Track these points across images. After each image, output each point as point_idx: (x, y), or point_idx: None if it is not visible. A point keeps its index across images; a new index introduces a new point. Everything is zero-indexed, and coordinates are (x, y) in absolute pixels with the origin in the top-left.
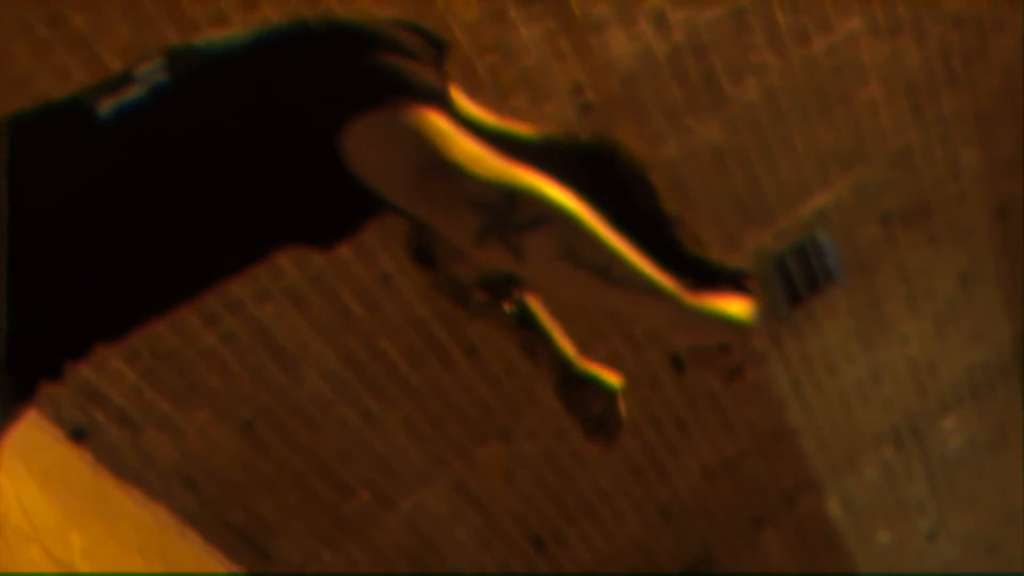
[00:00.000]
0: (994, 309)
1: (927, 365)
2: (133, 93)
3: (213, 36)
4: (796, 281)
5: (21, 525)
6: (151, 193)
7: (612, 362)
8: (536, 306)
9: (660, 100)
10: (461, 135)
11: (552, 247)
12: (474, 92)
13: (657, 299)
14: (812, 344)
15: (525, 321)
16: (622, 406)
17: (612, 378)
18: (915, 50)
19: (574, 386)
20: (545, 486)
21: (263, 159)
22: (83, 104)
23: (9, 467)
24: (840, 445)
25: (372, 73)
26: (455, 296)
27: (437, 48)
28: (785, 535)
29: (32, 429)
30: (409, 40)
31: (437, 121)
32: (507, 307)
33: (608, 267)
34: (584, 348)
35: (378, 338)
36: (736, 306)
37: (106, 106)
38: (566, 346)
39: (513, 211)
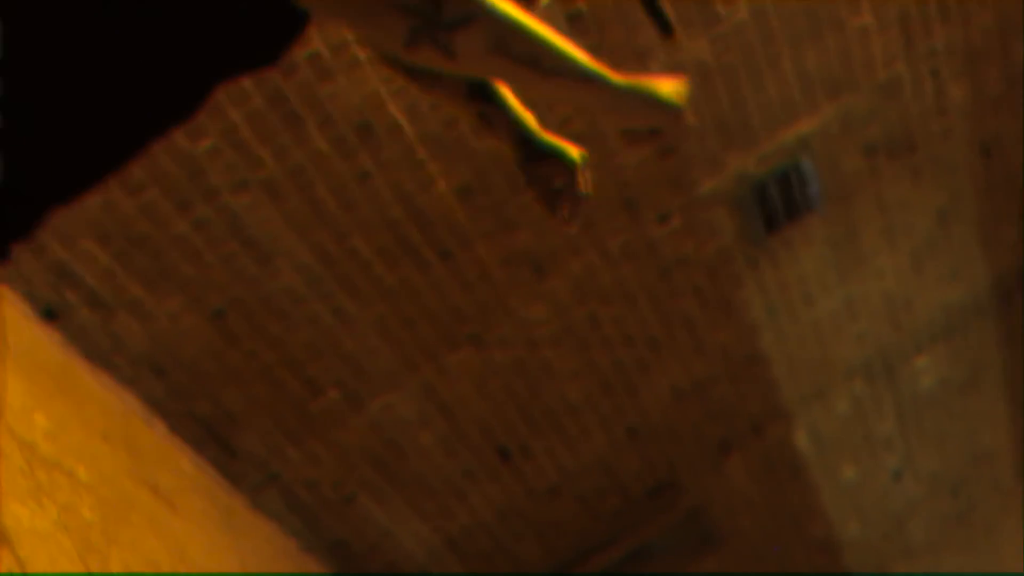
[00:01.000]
0: (972, 249)
1: (903, 301)
2: None
3: None
4: (775, 206)
5: None
6: (80, 34)
7: (587, 277)
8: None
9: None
10: None
11: (482, 44)
12: None
13: (588, 84)
14: (788, 271)
15: (482, 92)
16: (584, 180)
17: (574, 150)
18: None
19: (535, 159)
20: (514, 396)
21: None
22: None
23: None
24: (811, 376)
25: None
26: (405, 68)
27: None
28: (751, 462)
29: (2, 305)
30: None
31: None
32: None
33: (538, 57)
34: (557, 262)
35: (352, 236)
36: (667, 87)
37: None
38: (527, 117)
39: (439, 11)
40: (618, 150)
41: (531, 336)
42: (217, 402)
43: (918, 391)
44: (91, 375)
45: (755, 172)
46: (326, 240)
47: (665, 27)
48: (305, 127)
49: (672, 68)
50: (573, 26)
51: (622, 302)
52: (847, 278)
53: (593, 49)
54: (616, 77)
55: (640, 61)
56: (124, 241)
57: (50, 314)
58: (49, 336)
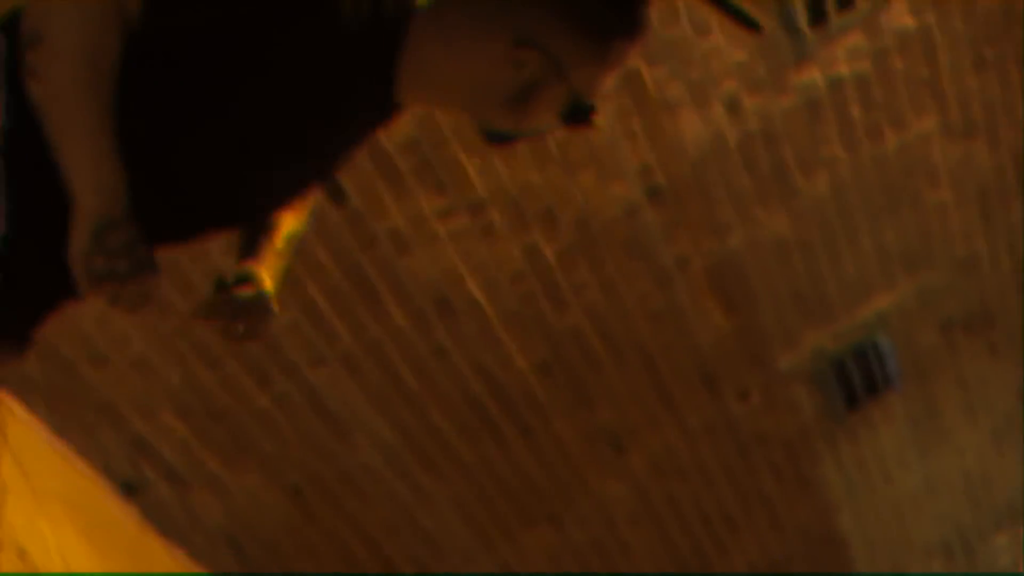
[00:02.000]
0: None
1: (982, 479)
2: None
3: None
4: (854, 383)
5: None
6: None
7: (666, 455)
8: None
9: (729, 187)
10: None
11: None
12: (543, 165)
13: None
14: (867, 449)
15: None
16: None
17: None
18: (988, 154)
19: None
20: None
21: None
22: None
23: (52, 513)
24: (889, 555)
25: None
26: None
27: None
28: None
29: (79, 477)
30: None
31: None
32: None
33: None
34: (637, 439)
35: (432, 412)
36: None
37: None
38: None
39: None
40: (696, 326)
41: (609, 515)
42: None
43: (996, 571)
44: (166, 551)
45: (833, 348)
46: (405, 415)
47: (750, 23)
48: (383, 302)
49: (752, 243)
50: (652, 200)
51: (700, 480)
52: (926, 456)
53: (673, 223)
54: None
55: (719, 236)
56: (204, 415)
57: (128, 489)
58: (126, 510)
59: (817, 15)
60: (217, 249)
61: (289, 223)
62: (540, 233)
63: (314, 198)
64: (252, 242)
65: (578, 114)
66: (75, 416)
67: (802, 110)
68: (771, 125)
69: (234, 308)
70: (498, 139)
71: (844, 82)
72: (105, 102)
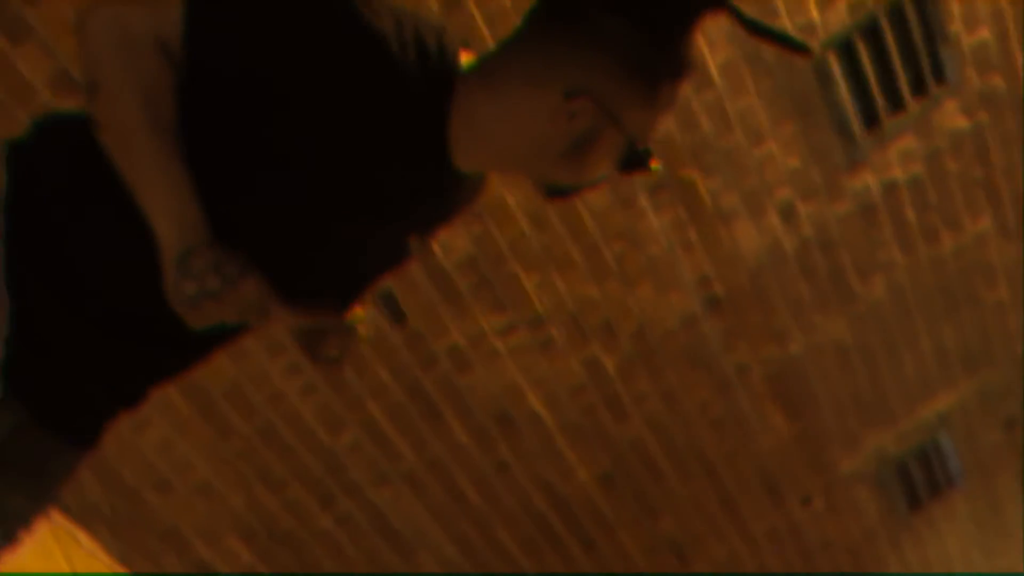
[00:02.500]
0: None
1: None
2: None
3: None
4: (917, 484)
5: None
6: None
7: (730, 563)
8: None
9: (786, 294)
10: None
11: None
12: (601, 279)
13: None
14: (932, 550)
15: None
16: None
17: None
18: None
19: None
20: None
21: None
22: None
23: None
24: None
25: None
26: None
27: None
28: None
29: None
30: None
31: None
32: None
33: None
34: (701, 548)
35: (495, 527)
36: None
37: None
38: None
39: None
40: (757, 433)
41: None
42: None
43: None
44: None
45: (895, 450)
46: (468, 531)
47: (798, 47)
48: (445, 419)
49: (811, 348)
50: (710, 310)
51: None
52: (991, 554)
53: (732, 332)
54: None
55: (779, 342)
56: (267, 538)
57: None
58: None
59: (869, 119)
60: (278, 371)
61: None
62: (599, 346)
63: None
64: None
65: (636, 160)
66: (139, 543)
67: (857, 215)
68: (827, 231)
69: (323, 328)
70: (559, 193)
71: (898, 185)
72: (169, 137)
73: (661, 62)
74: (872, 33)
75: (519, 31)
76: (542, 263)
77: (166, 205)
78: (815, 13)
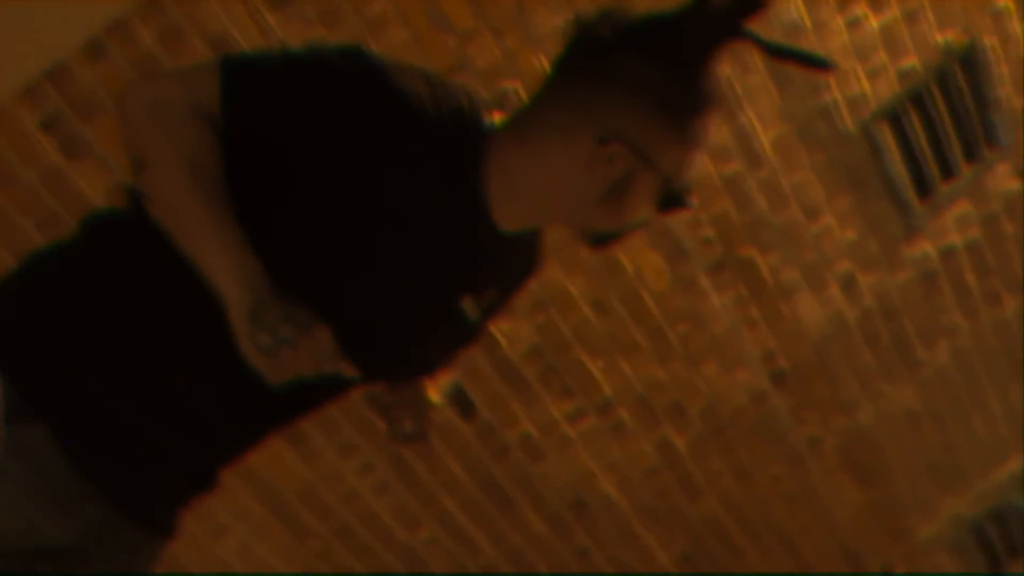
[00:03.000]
0: None
1: None
2: None
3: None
4: (995, 546)
5: None
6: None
7: None
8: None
9: (852, 365)
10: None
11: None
12: (667, 360)
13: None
14: None
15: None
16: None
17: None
18: None
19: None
20: None
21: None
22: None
23: None
24: None
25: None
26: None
27: None
28: None
29: None
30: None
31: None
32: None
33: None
34: None
35: None
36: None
37: None
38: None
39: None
40: (832, 504)
41: None
42: None
43: None
44: None
45: (970, 514)
46: None
47: (820, 63)
48: (520, 510)
49: (881, 416)
50: (777, 384)
51: None
52: None
53: (800, 405)
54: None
55: (848, 413)
56: None
57: None
58: None
59: (923, 187)
60: (351, 470)
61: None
62: (670, 426)
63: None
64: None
65: (673, 199)
66: None
67: (917, 282)
68: (888, 300)
69: (398, 400)
70: (601, 241)
71: (956, 251)
72: (218, 199)
73: (687, 97)
74: (921, 101)
75: (546, 83)
76: (607, 348)
77: (227, 265)
78: (865, 84)
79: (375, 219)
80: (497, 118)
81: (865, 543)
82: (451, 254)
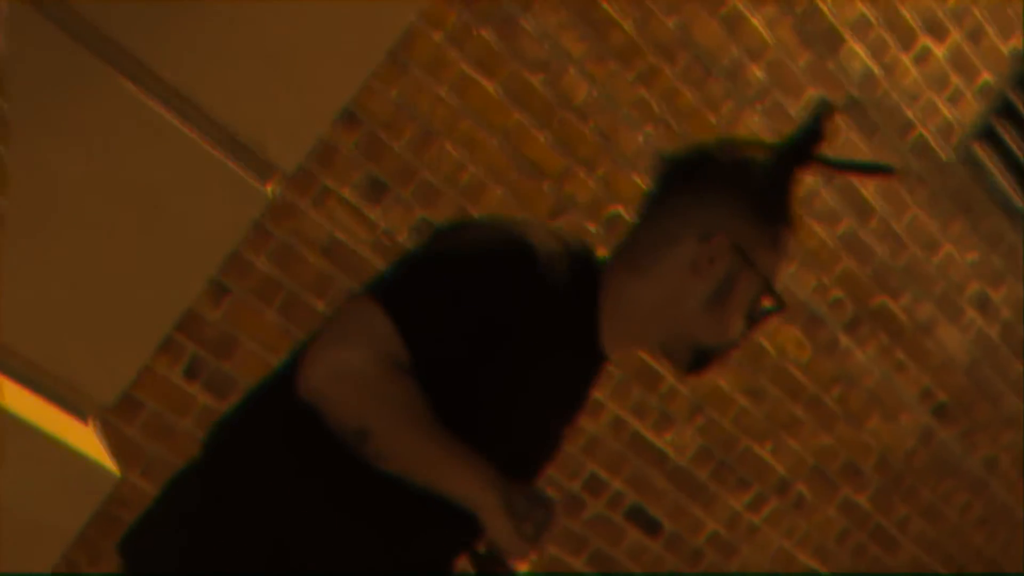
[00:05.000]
0: None
1: None
2: None
3: None
4: None
5: None
6: None
7: None
8: None
9: (1007, 378)
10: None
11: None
12: (830, 426)
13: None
14: None
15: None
16: None
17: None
18: None
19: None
20: None
21: None
22: None
23: None
24: None
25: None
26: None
27: None
28: None
29: None
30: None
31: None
32: None
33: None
34: None
35: None
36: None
37: None
38: None
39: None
40: None
41: None
42: None
43: None
44: None
45: None
46: None
47: (882, 169)
48: None
49: None
50: (941, 418)
51: None
52: None
53: (968, 431)
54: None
55: (1015, 425)
56: None
57: None
58: None
59: None
60: None
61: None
62: (849, 487)
63: None
64: None
65: (772, 304)
66: None
67: None
68: (1022, 309)
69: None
70: (699, 363)
71: None
72: (438, 428)
73: (778, 206)
74: (1007, 111)
75: (647, 203)
76: (770, 430)
77: (467, 477)
78: (947, 112)
79: (528, 373)
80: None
81: None
82: (573, 388)
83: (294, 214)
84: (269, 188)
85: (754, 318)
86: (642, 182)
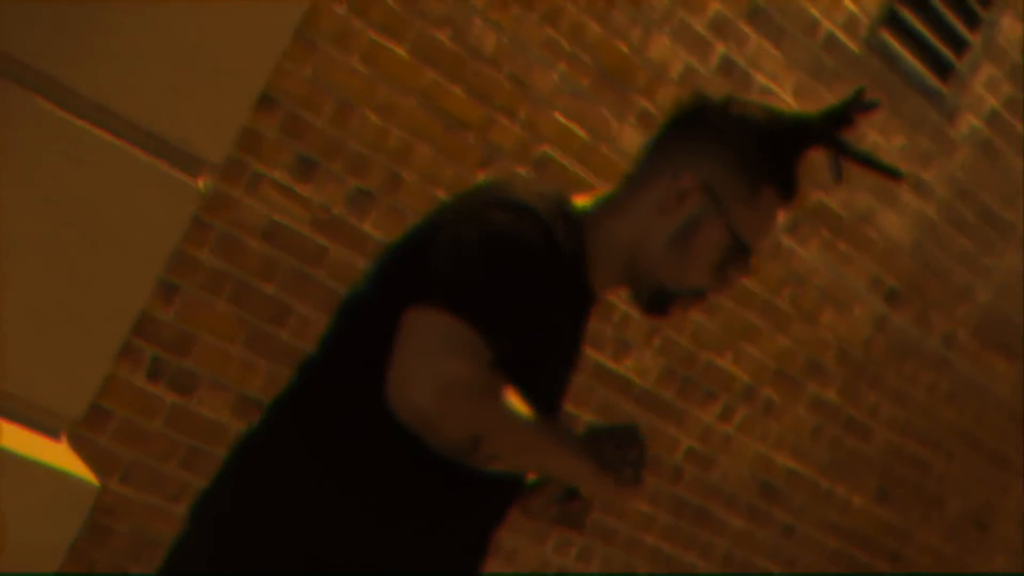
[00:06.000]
0: None
1: None
2: None
3: None
4: None
5: None
6: None
7: None
8: None
9: (952, 254)
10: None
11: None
12: (785, 327)
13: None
14: None
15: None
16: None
17: None
18: None
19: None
20: None
21: None
22: None
23: None
24: None
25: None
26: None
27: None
28: None
29: None
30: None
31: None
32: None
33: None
34: (993, 509)
35: None
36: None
37: None
38: None
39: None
40: (991, 385)
41: None
42: None
43: None
44: None
45: None
46: None
47: (894, 174)
48: (716, 516)
49: (998, 288)
50: (892, 304)
51: None
52: None
53: (921, 311)
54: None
55: (966, 297)
56: None
57: None
58: None
59: (943, 71)
60: None
61: None
62: (815, 384)
63: None
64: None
65: (738, 259)
66: None
67: (977, 155)
68: (958, 183)
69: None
70: (658, 304)
71: (998, 111)
72: (534, 417)
73: (771, 168)
74: None
75: (639, 154)
76: (728, 340)
77: (563, 456)
78: (850, 4)
79: (552, 333)
80: (580, 199)
81: None
82: (575, 333)
83: (230, 204)
84: (201, 182)
85: (723, 274)
86: (563, 119)
